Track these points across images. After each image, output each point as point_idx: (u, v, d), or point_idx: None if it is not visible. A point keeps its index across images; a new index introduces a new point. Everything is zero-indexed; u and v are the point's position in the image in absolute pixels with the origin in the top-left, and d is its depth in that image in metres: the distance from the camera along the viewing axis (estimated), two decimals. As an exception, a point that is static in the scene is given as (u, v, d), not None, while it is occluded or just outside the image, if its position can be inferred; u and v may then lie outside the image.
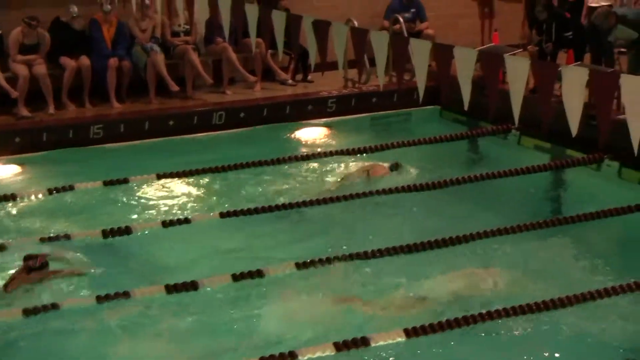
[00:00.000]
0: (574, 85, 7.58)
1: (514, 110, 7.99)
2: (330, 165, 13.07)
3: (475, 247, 10.21)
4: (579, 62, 14.30)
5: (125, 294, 9.13)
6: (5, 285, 9.44)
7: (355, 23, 14.87)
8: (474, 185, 12.15)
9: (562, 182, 12.81)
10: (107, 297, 9.08)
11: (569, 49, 14.72)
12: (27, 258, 9.62)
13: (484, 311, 8.66)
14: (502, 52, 10.39)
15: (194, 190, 12.33)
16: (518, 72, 7.98)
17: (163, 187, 12.35)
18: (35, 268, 9.54)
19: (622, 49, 14.84)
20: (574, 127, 7.61)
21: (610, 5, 14.90)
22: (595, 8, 15.09)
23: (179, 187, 12.40)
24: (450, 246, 10.21)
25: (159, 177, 12.48)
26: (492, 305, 8.82)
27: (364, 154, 13.40)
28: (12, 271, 9.71)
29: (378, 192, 11.80)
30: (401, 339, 8.34)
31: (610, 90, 7.48)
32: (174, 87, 15.24)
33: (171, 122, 14.68)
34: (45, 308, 8.89)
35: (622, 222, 10.84)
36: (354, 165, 12.97)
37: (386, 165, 12.67)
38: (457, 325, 8.49)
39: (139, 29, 15.44)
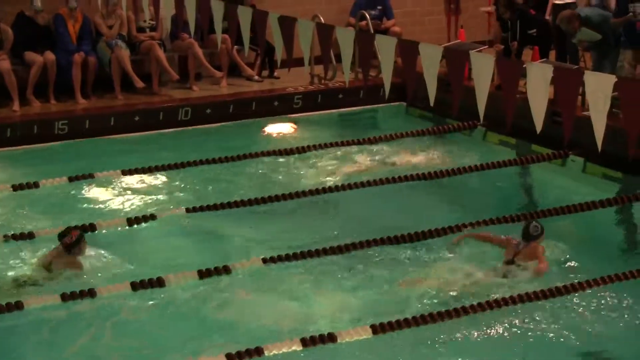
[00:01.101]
0: (538, 82, 7.61)
1: (479, 106, 8.02)
2: (296, 161, 13.07)
3: (440, 242, 10.24)
4: (544, 59, 14.38)
5: (91, 292, 9.09)
6: (48, 265, 9.53)
7: (322, 19, 14.89)
8: (439, 180, 12.20)
9: (527, 178, 12.87)
10: (72, 296, 9.03)
11: (535, 45, 14.79)
12: (62, 236, 9.67)
13: (450, 308, 8.68)
14: (467, 49, 10.42)
15: (159, 186, 12.28)
16: (483, 69, 8.00)
17: (129, 183, 12.30)
18: (72, 244, 9.58)
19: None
20: (538, 123, 7.65)
21: (574, 3, 14.99)
22: (560, 5, 15.18)
23: (145, 183, 12.35)
24: (415, 241, 10.24)
25: (125, 173, 12.44)
26: (459, 301, 8.86)
27: (330, 150, 13.40)
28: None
29: (344, 188, 11.82)
30: (368, 335, 8.36)
31: (574, 87, 7.52)
32: (139, 84, 15.19)
33: (137, 118, 14.64)
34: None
35: (586, 217, 10.90)
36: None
37: None
38: (423, 322, 8.51)
39: (105, 26, 15.36)
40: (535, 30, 14.74)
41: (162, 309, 9.06)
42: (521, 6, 15.35)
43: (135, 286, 9.26)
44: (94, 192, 12.05)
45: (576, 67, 12.97)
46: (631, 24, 12.87)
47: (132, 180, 12.35)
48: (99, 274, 9.67)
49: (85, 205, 11.67)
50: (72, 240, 9.60)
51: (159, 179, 12.48)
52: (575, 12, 13.77)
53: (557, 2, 15.39)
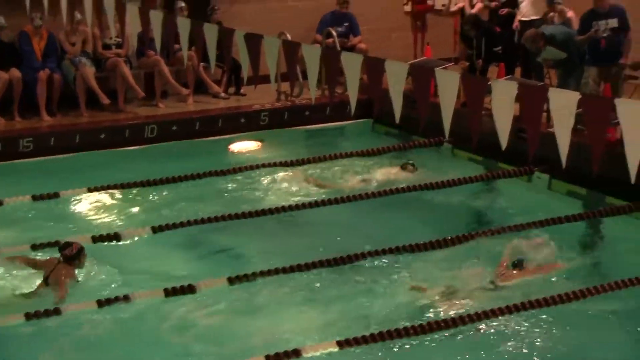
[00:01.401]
0: (503, 99, 7.63)
1: (444, 123, 8.03)
2: (263, 178, 13.04)
3: (407, 259, 10.25)
4: (509, 76, 14.46)
5: (56, 310, 9.03)
6: (46, 278, 9.52)
7: (288, 36, 14.90)
8: (406, 197, 12.21)
9: (493, 194, 12.90)
10: (36, 315, 8.95)
11: (500, 62, 14.88)
12: (62, 248, 9.72)
13: (415, 324, 8.70)
14: (433, 66, 10.44)
15: (125, 204, 12.22)
16: (448, 86, 8.01)
17: (94, 201, 12.23)
18: (73, 256, 9.63)
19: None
20: (503, 140, 7.66)
21: (540, 19, 15.07)
22: (526, 22, 15.28)
23: (111, 201, 12.29)
24: (382, 257, 10.25)
25: (90, 190, 12.36)
26: (423, 317, 8.88)
27: (297, 167, 13.40)
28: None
29: (311, 205, 11.82)
30: (333, 349, 8.35)
31: (539, 104, 7.54)
32: (105, 100, 15.14)
33: (102, 136, 14.57)
34: None
35: (552, 232, 10.94)
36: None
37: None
38: (389, 337, 8.52)
39: (68, 43, 15.30)
40: (500, 47, 14.83)
41: (127, 326, 9.00)
42: (486, 24, 15.45)
43: (101, 303, 9.20)
44: (59, 210, 11.98)
45: (541, 83, 13.04)
46: (595, 41, 12.97)
47: (98, 198, 12.28)
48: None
49: (50, 223, 11.57)
50: (73, 253, 9.66)
51: (125, 196, 12.41)
52: (540, 31, 13.86)
53: (522, 18, 15.49)
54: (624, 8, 13.13)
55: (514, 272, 9.80)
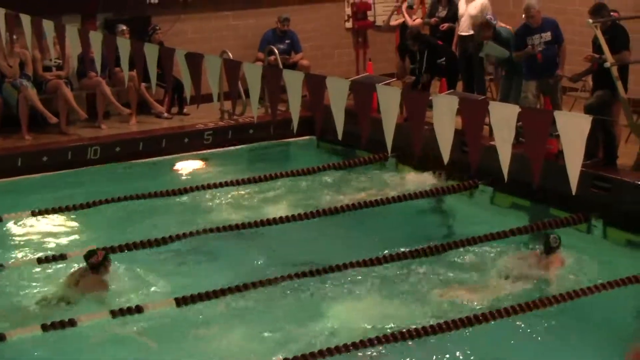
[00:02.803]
0: (444, 114, 7.69)
1: (386, 139, 8.09)
2: (208, 197, 13.02)
3: (352, 275, 10.29)
4: (451, 90, 14.58)
5: (1, 337, 8.94)
6: (71, 285, 9.79)
7: (230, 55, 14.89)
8: (352, 213, 12.25)
9: (438, 209, 12.98)
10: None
11: (442, 77, 14.99)
12: (88, 256, 9.89)
13: (361, 339, 8.76)
14: (375, 82, 10.51)
15: (70, 226, 12.14)
16: (389, 102, 8.07)
17: (38, 224, 12.13)
18: (99, 263, 9.84)
19: (492, 76, 15.22)
20: (445, 154, 7.73)
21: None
22: (465, 37, 15.41)
23: (55, 223, 12.19)
24: (327, 274, 10.28)
25: (34, 214, 12.27)
26: (365, 334, 8.95)
27: (242, 186, 13.38)
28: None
29: (257, 224, 11.81)
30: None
31: (480, 118, 7.62)
32: (52, 119, 15.00)
33: (45, 158, 14.43)
34: None
35: (494, 246, 11.04)
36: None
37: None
38: (337, 353, 8.55)
39: (6, 65, 15.14)
40: (444, 59, 14.95)
41: (74, 349, 8.95)
42: (428, 37, 15.57)
43: (46, 327, 9.12)
44: (3, 234, 11.86)
45: (482, 97, 13.15)
46: (532, 56, 13.10)
47: (42, 221, 12.18)
48: (9, 315, 9.52)
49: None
50: (99, 260, 9.85)
51: (69, 218, 12.33)
52: (491, 21, 14.01)
53: (462, 33, 15.61)
54: (555, 21, 13.29)
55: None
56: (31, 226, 12.10)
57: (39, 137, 15.10)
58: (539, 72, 13.08)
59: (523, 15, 13.26)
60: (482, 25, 14.17)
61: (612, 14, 12.63)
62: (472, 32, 15.28)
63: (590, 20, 12.02)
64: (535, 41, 13.03)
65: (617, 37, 12.16)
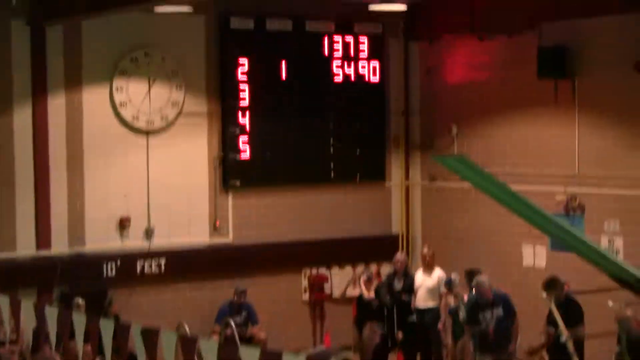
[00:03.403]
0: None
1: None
2: None
3: None
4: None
5: None
6: None
7: (187, 327, 14.84)
8: None
9: None
10: None
11: (400, 350, 15.03)
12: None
13: None
14: (330, 355, 10.49)
15: None
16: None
17: None
18: None
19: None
20: None
21: (437, 307, 15.32)
22: (422, 310, 15.51)
23: None
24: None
25: None
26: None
27: None
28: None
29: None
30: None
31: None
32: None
33: None
34: None
35: None
36: None
37: None
38: None
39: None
40: (415, 316, 15.04)
41: None
42: (398, 295, 15.70)
43: None
44: None
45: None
46: (484, 331, 13.10)
47: None
48: None
49: None
50: None
51: None
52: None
53: (418, 306, 15.70)
54: (506, 295, 13.34)
55: None
56: None
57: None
58: (491, 348, 13.08)
59: (473, 291, 13.40)
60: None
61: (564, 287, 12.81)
62: (430, 304, 15.42)
63: (545, 295, 12.16)
64: (487, 317, 13.07)
65: (572, 311, 12.25)
